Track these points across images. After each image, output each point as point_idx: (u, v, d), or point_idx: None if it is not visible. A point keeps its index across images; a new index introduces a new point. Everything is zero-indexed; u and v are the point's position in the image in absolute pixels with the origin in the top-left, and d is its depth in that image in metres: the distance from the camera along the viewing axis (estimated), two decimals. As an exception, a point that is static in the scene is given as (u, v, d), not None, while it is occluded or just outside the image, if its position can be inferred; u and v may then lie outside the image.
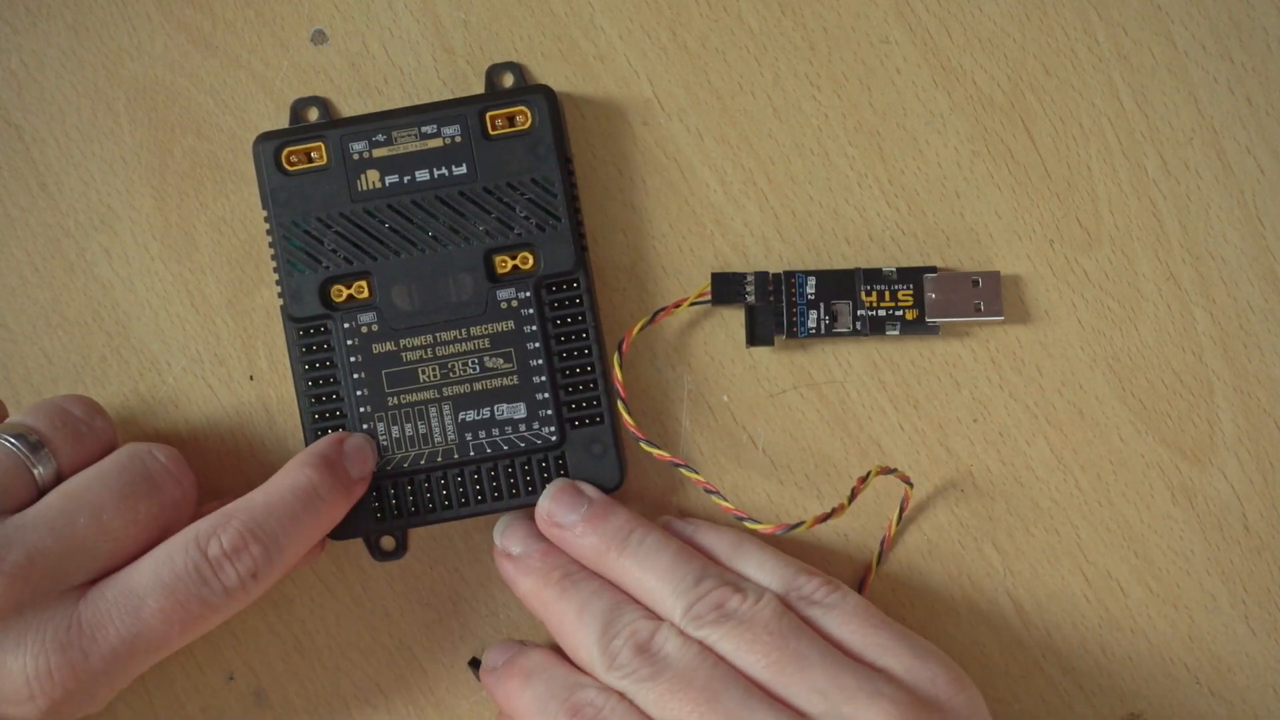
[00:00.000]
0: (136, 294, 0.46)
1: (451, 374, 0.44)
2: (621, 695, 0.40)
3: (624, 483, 0.44)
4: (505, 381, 0.44)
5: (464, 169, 0.44)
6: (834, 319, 0.45)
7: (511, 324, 0.44)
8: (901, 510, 0.45)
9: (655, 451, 0.44)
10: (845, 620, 0.42)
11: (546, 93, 0.44)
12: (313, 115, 0.46)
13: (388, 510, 0.44)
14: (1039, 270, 0.46)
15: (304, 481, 0.41)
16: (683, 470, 0.44)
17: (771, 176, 0.46)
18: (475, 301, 0.44)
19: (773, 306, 0.45)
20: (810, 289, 0.45)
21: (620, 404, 0.44)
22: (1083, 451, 0.46)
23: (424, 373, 0.44)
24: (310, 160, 0.44)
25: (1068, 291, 0.46)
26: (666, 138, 0.46)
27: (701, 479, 0.44)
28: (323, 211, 0.44)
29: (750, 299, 0.45)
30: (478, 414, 0.44)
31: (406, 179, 0.44)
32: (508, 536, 0.44)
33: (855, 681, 0.40)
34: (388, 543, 0.45)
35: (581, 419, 0.44)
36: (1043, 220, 0.46)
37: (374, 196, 0.44)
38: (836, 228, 0.46)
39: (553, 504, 0.43)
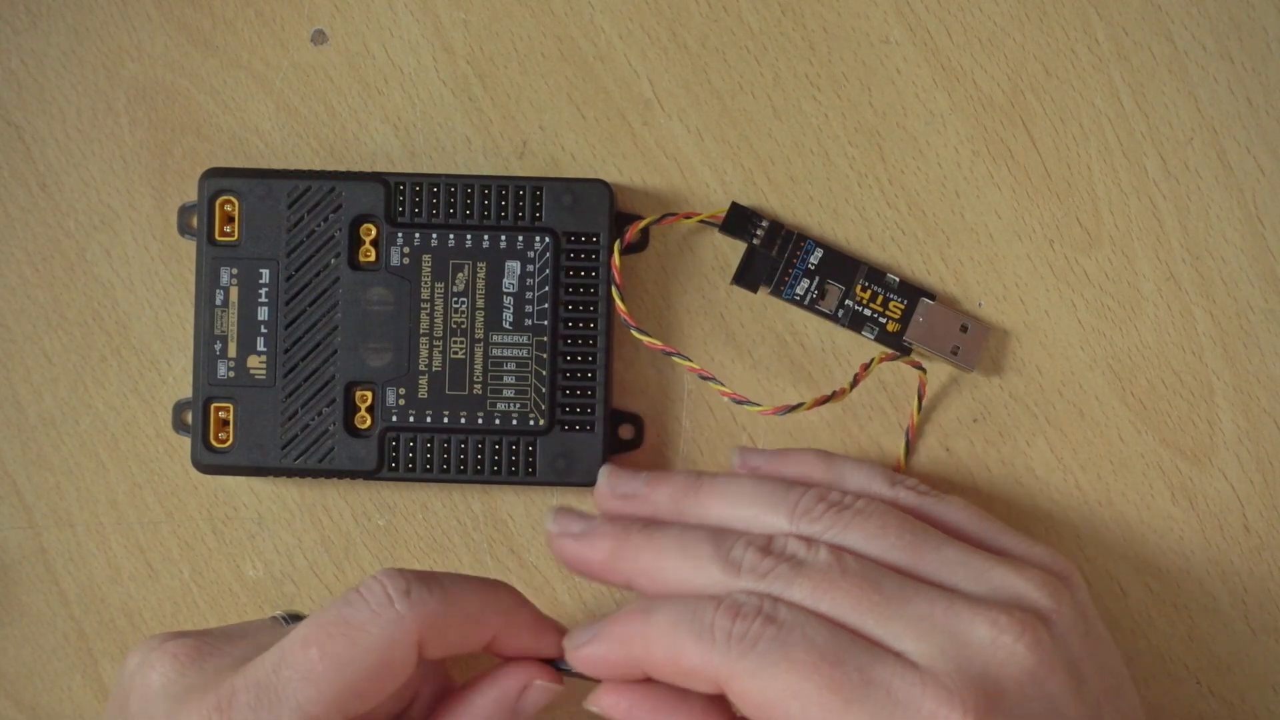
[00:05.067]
0: (136, 294, 0.46)
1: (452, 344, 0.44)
2: (774, 597, 0.37)
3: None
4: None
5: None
6: (821, 296, 0.45)
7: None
8: (920, 398, 0.45)
9: (646, 339, 0.44)
10: (956, 510, 0.41)
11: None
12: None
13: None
14: (1039, 270, 0.46)
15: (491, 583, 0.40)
16: (675, 359, 0.44)
17: (771, 176, 0.46)
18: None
19: (773, 259, 0.45)
20: (814, 259, 0.45)
21: (615, 290, 0.44)
22: (1083, 451, 0.46)
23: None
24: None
25: (1068, 291, 0.46)
26: (666, 138, 0.46)
27: (695, 366, 0.44)
28: None
29: (756, 241, 0.45)
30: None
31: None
32: (563, 520, 0.41)
33: (990, 554, 0.39)
34: (626, 431, 0.45)
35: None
36: (1043, 220, 0.46)
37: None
38: (836, 227, 0.46)
39: (612, 478, 0.42)
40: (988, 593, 0.38)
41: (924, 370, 0.45)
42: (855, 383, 0.43)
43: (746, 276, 0.45)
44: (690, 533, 0.39)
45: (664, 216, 0.45)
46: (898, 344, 0.45)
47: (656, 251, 0.46)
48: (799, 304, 0.45)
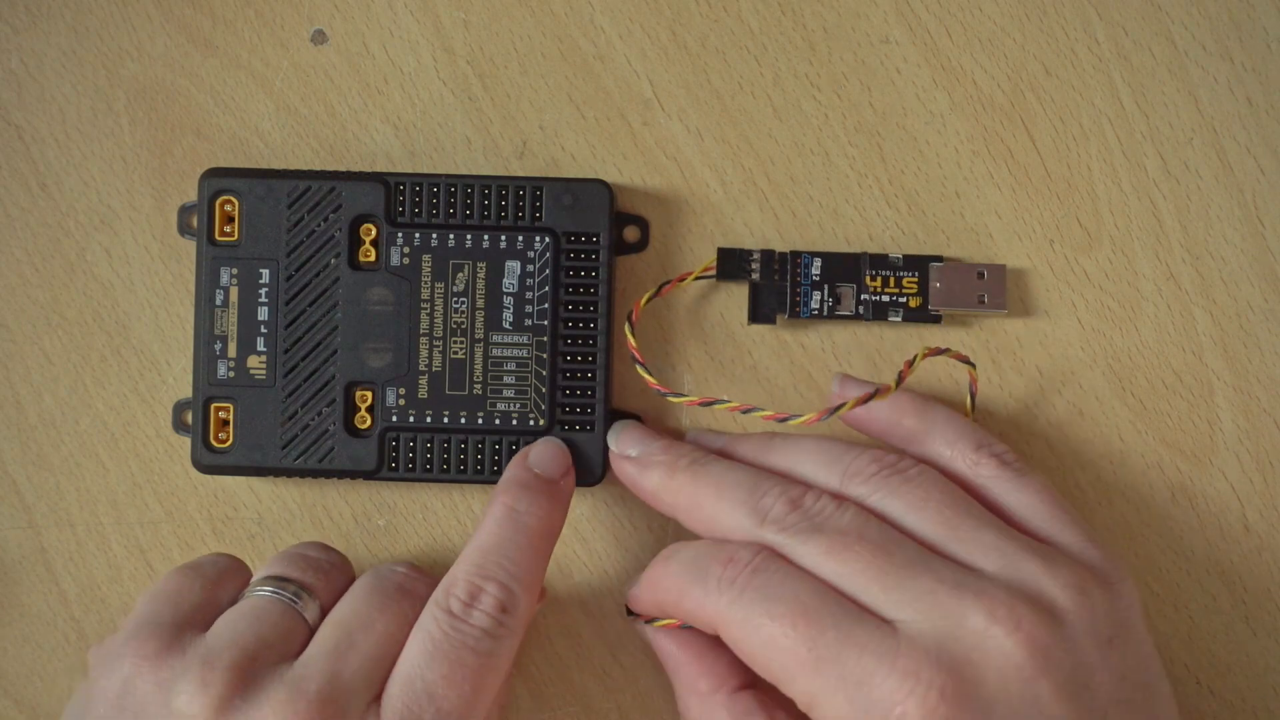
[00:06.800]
0: (136, 294, 0.46)
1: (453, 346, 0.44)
2: (773, 551, 0.39)
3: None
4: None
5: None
6: (837, 301, 0.45)
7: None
8: (972, 395, 0.44)
9: (649, 378, 0.44)
10: (1029, 492, 0.41)
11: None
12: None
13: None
14: (1039, 270, 0.46)
15: (499, 510, 0.42)
16: (671, 398, 0.44)
17: (771, 176, 0.46)
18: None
19: (777, 285, 0.45)
20: (815, 270, 0.45)
21: (637, 365, 0.44)
22: (1083, 451, 0.46)
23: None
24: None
25: (1068, 291, 0.46)
26: (666, 138, 0.46)
27: (694, 399, 0.44)
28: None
29: (755, 276, 0.45)
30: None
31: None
32: (623, 440, 0.44)
33: (1030, 544, 0.39)
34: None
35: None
36: (1043, 220, 0.46)
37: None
38: (836, 228, 0.46)
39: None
40: (1008, 580, 0.38)
41: (973, 365, 0.44)
42: (900, 380, 0.42)
43: (761, 312, 0.45)
44: (731, 475, 0.41)
45: (661, 287, 0.45)
46: (926, 316, 0.45)
47: (656, 252, 0.46)
48: (819, 317, 0.45)
